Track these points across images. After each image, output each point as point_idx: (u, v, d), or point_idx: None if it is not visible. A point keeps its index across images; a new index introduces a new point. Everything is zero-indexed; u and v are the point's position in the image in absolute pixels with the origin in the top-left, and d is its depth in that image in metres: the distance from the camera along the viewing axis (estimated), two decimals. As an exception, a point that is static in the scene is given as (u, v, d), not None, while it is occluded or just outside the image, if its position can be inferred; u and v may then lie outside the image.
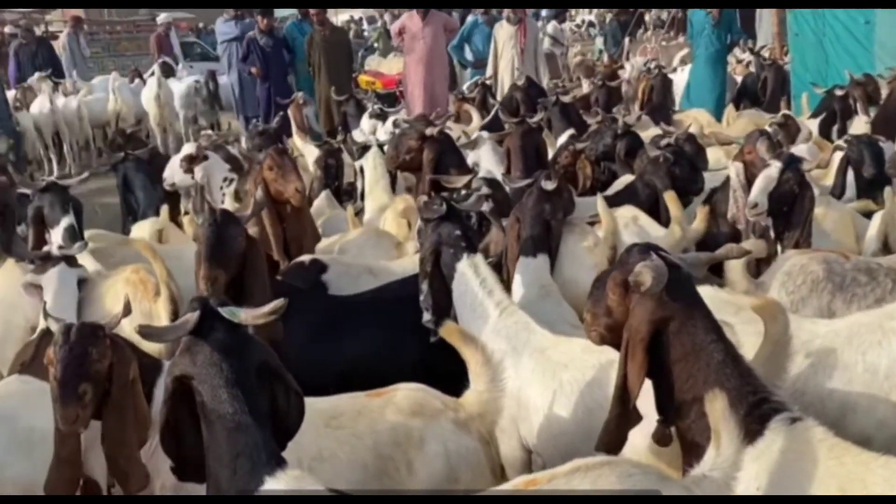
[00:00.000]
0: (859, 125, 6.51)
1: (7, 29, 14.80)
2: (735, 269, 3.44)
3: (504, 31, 9.53)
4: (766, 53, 10.84)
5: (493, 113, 7.54)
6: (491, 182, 4.10)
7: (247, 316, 2.13)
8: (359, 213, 5.26)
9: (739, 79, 10.60)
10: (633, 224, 4.05)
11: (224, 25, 10.75)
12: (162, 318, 3.44)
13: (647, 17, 20.94)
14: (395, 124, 5.93)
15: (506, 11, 9.82)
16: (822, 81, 8.82)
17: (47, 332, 3.19)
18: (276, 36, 9.94)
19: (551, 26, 14.35)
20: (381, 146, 5.50)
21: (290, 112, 8.17)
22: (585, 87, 10.15)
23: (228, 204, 5.24)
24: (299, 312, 3.43)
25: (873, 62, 8.84)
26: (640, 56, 13.87)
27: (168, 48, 14.39)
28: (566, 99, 6.96)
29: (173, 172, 5.43)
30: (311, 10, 9.92)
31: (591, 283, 3.64)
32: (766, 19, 13.12)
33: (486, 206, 3.97)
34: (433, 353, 3.33)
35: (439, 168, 4.67)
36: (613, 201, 4.53)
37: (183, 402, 2.12)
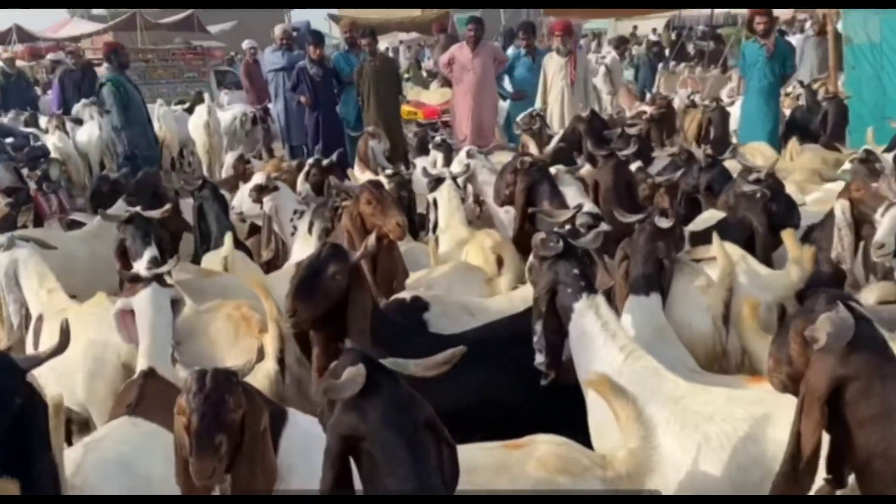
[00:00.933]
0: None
1: (50, 56, 14.88)
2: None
3: (554, 63, 9.51)
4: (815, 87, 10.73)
5: (553, 144, 7.45)
6: (595, 217, 3.96)
7: (417, 368, 2.00)
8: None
9: (787, 112, 10.51)
10: (742, 263, 3.90)
11: (272, 55, 10.74)
12: (268, 359, 3.31)
13: (688, 48, 20.94)
14: (470, 154, 5.81)
15: (554, 43, 9.82)
16: (880, 116, 8.72)
17: (150, 373, 3.09)
18: (325, 66, 9.91)
19: (611, 58, 14.31)
20: (454, 178, 5.39)
21: (359, 144, 8.10)
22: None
23: (301, 238, 5.16)
24: (406, 352, 3.33)
25: (933, 97, 8.73)
26: (680, 88, 13.79)
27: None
28: (633, 131, 6.84)
29: (242, 201, 5.35)
30: (363, 41, 9.89)
31: (703, 326, 3.62)
32: (808, 54, 13.01)
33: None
34: (543, 397, 3.22)
35: (532, 200, 4.56)
36: (703, 237, 4.40)
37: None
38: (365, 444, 1.91)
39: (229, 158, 8.08)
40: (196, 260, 5.27)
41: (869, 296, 3.41)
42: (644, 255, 3.58)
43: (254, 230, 5.92)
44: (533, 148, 7.69)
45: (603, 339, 3.02)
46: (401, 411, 1.93)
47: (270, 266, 5.26)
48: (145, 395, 2.96)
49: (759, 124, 9.55)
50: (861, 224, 4.10)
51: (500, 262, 4.41)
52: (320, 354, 3.34)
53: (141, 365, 3.11)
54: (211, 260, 4.85)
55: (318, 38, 10.05)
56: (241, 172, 7.32)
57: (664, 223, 3.58)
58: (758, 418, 2.56)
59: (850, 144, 8.33)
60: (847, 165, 5.80)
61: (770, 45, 9.52)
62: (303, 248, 5.14)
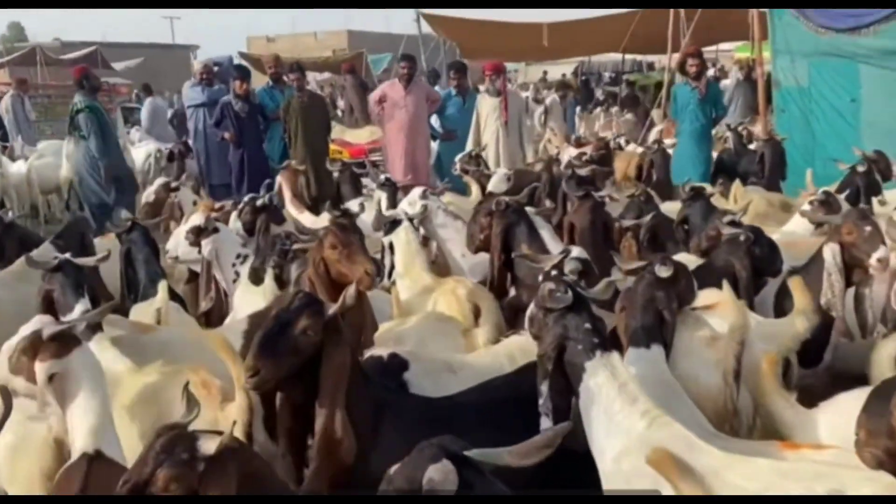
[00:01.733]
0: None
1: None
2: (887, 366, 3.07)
3: (486, 103, 9.34)
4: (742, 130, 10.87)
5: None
6: (585, 263, 3.63)
7: (513, 457, 1.65)
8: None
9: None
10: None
11: (192, 90, 10.23)
12: (235, 432, 2.83)
13: (598, 94, 21.33)
14: (424, 195, 5.46)
15: (485, 84, 9.66)
16: (810, 158, 8.81)
17: (96, 456, 2.58)
18: (251, 101, 9.45)
19: (551, 99, 14.40)
20: (411, 220, 5.02)
21: (281, 179, 7.68)
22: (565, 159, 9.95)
23: (243, 286, 4.69)
24: (397, 419, 2.92)
25: (860, 140, 8.85)
26: (602, 132, 13.85)
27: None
28: (583, 172, 6.64)
29: (178, 244, 4.86)
30: (291, 76, 9.50)
31: (711, 382, 3.32)
32: (739, 99, 13.28)
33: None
34: (549, 465, 2.86)
35: (510, 244, 4.24)
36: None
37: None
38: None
39: (152, 187, 7.52)
40: (123, 312, 4.72)
41: (891, 346, 3.17)
42: (643, 306, 3.28)
43: (192, 276, 5.39)
44: (476, 189, 7.44)
45: (620, 403, 2.68)
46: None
47: (209, 318, 4.76)
48: (91, 486, 2.46)
49: (692, 166, 9.50)
50: (852, 269, 3.94)
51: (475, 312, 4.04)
52: (286, 419, 2.92)
53: (82, 445, 2.57)
54: (141, 311, 4.32)
55: (243, 72, 9.59)
56: (164, 200, 6.77)
57: (664, 272, 3.29)
58: (819, 494, 2.25)
59: (786, 188, 8.36)
60: (806, 207, 5.67)
61: (702, 88, 9.57)
62: (246, 297, 4.68)
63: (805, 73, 9.27)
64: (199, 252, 4.86)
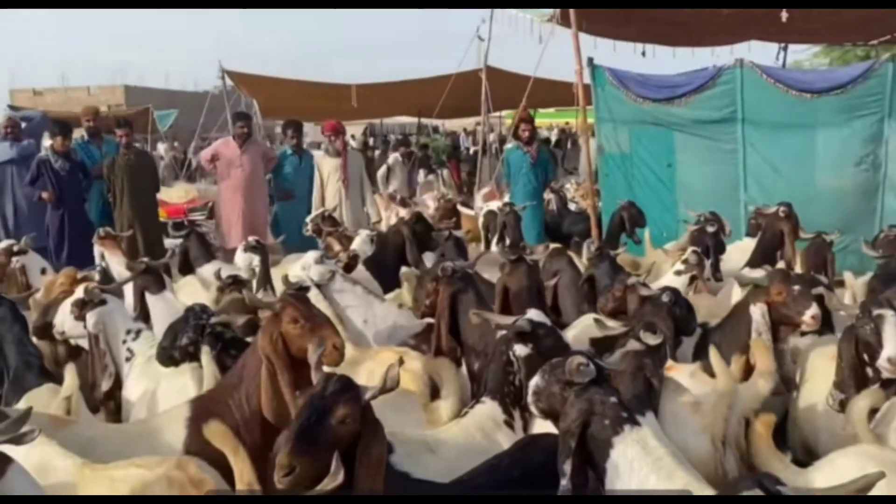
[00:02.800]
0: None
1: None
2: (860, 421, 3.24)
3: (327, 164, 9.21)
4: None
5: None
6: (541, 326, 3.55)
7: None
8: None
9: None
10: (698, 375, 3.72)
11: (-2, 145, 9.19)
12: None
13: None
14: (321, 260, 5.18)
15: (323, 144, 9.55)
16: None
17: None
18: (72, 159, 8.64)
19: (393, 158, 14.38)
20: (318, 286, 4.75)
21: (103, 249, 7.05)
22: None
23: (140, 368, 4.19)
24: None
25: (676, 202, 9.62)
26: (424, 193, 14.02)
27: None
28: (459, 234, 6.65)
29: (64, 319, 4.29)
30: (118, 132, 8.82)
31: (701, 448, 3.34)
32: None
33: (521, 351, 3.49)
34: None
35: (456, 308, 4.09)
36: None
37: None
38: None
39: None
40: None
41: (862, 403, 3.34)
42: (632, 375, 3.25)
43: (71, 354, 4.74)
44: (338, 247, 7.21)
45: (655, 481, 2.61)
46: None
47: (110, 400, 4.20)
48: None
49: (528, 227, 9.86)
50: (778, 327, 4.15)
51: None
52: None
53: None
54: (36, 400, 3.70)
55: (63, 128, 8.76)
56: (5, 266, 5.93)
57: (652, 340, 3.30)
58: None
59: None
60: (679, 266, 5.97)
61: (534, 152, 10.00)
62: (140, 380, 4.18)
63: (626, 140, 9.91)
64: (85, 327, 4.29)
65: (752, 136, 9.31)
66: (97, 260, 7.11)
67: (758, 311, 4.15)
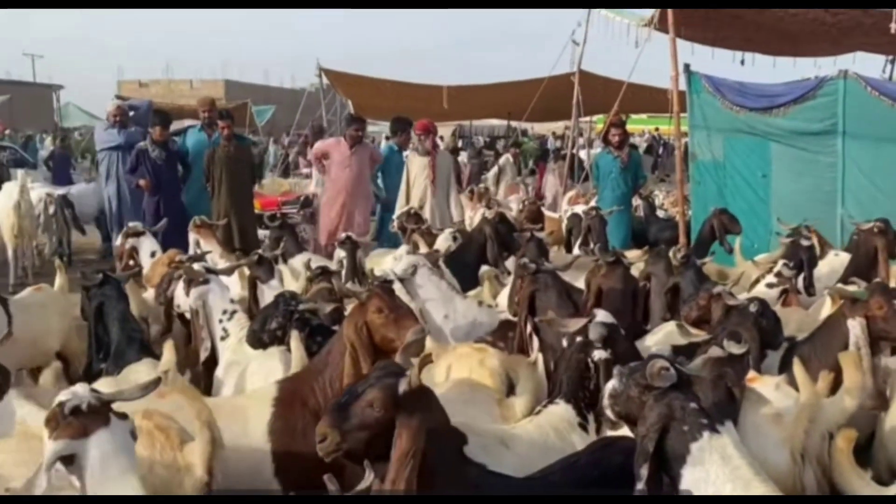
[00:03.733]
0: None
1: None
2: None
3: (416, 163, 9.31)
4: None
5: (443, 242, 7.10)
6: (610, 327, 3.54)
7: None
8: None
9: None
10: (783, 388, 3.65)
11: (105, 133, 9.66)
12: (196, 469, 2.71)
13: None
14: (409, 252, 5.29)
15: (413, 143, 9.62)
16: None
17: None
18: (169, 148, 9.00)
19: (504, 159, 14.63)
20: (401, 280, 4.83)
21: (198, 236, 7.33)
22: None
23: (233, 348, 4.36)
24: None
25: (770, 213, 9.36)
26: (510, 195, 14.04)
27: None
28: (542, 235, 6.66)
29: (180, 296, 4.54)
30: (220, 123, 9.11)
31: (780, 462, 3.28)
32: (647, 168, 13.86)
33: (600, 355, 3.47)
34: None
35: (534, 306, 4.11)
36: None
37: None
38: None
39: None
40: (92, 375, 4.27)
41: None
42: (713, 382, 3.21)
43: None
44: (423, 246, 7.30)
45: (731, 489, 2.58)
46: None
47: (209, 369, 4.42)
48: None
49: (614, 232, 9.78)
50: (877, 343, 4.04)
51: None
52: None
53: None
54: (134, 375, 3.90)
55: (163, 119, 9.14)
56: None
57: (736, 349, 3.26)
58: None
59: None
60: (771, 279, 5.85)
61: (624, 157, 9.90)
62: (231, 360, 4.34)
63: (720, 148, 9.72)
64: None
65: (853, 149, 9.01)
66: (192, 247, 7.37)
67: (857, 326, 4.00)
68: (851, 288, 4.25)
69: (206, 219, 7.81)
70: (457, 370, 4.04)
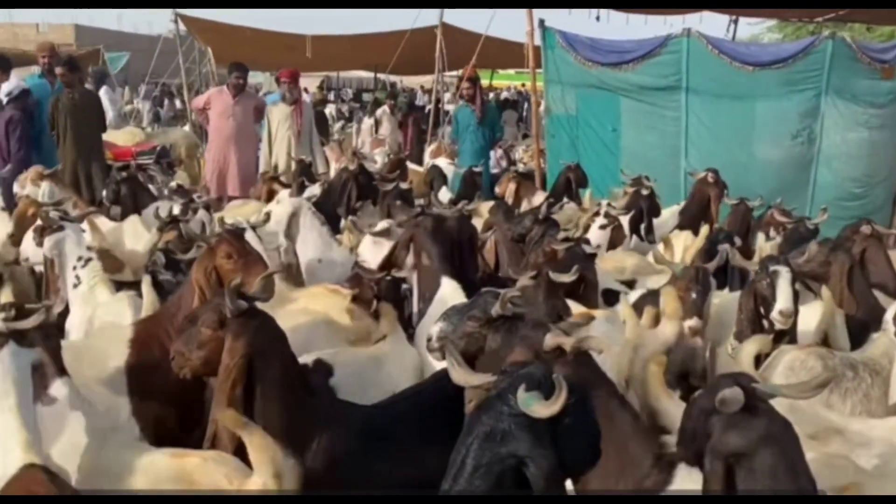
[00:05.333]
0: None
1: None
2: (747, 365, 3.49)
3: (279, 112, 9.17)
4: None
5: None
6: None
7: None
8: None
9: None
10: (613, 320, 3.96)
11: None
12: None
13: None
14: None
15: (279, 91, 9.47)
16: (576, 180, 9.59)
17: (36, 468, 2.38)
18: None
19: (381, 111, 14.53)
20: (254, 228, 4.86)
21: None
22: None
23: (84, 297, 4.30)
24: (340, 430, 2.87)
25: (619, 166, 9.83)
26: (376, 149, 14.09)
27: None
28: (405, 186, 6.81)
29: (27, 247, 4.45)
30: (57, 70, 8.72)
31: None
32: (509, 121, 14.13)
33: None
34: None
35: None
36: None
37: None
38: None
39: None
40: None
41: (749, 348, 3.58)
42: (546, 312, 3.47)
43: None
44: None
45: None
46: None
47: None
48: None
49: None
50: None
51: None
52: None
53: (18, 458, 2.35)
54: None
55: (4, 64, 8.64)
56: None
57: (564, 278, 3.52)
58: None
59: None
60: (603, 220, 6.18)
61: (478, 110, 10.11)
62: (82, 307, 4.29)
63: (573, 102, 10.11)
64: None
65: (695, 104, 9.58)
66: (45, 195, 7.10)
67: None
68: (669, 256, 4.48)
69: (44, 168, 7.49)
70: (310, 310, 4.14)
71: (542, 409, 1.96)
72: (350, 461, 2.76)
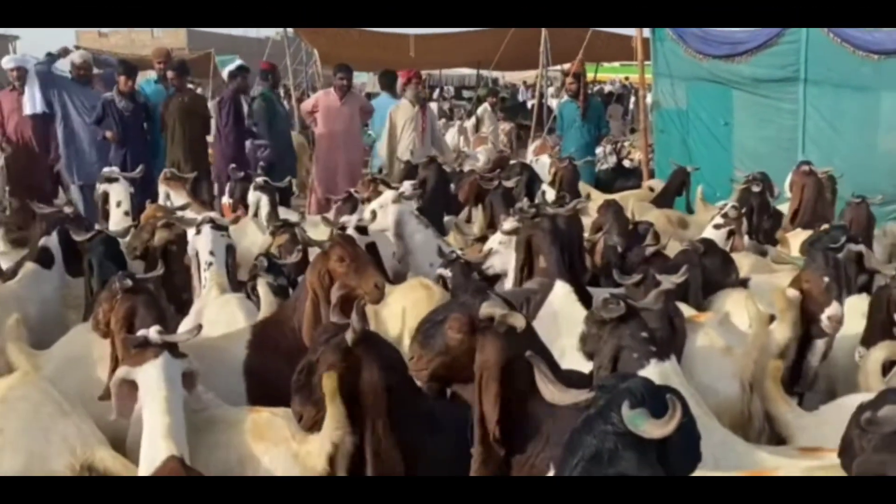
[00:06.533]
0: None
1: None
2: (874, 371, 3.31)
3: (403, 112, 9.23)
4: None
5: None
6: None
7: None
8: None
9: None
10: (727, 323, 3.81)
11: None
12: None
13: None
14: (398, 199, 5.42)
15: (408, 91, 9.49)
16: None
17: (181, 461, 2.66)
18: (136, 100, 8.90)
19: (482, 109, 14.63)
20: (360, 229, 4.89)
21: (168, 188, 7.42)
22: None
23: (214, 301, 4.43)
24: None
25: (731, 161, 9.50)
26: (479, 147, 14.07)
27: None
28: (509, 184, 6.76)
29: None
30: (170, 75, 9.05)
31: (731, 392, 3.44)
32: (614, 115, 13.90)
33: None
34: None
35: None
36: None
37: None
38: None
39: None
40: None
41: (877, 354, 3.39)
42: (658, 316, 3.36)
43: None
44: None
45: None
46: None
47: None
48: None
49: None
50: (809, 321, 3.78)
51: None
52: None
53: (166, 449, 2.65)
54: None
55: (129, 69, 9.01)
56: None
57: (675, 278, 3.41)
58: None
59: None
60: (719, 220, 5.96)
61: (582, 106, 9.95)
62: (200, 305, 4.41)
63: (684, 96, 9.84)
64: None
65: (814, 96, 9.13)
66: (161, 199, 7.39)
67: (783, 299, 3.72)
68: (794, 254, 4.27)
69: (175, 171, 7.82)
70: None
71: (654, 429, 1.85)
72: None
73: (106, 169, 7.07)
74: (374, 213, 5.21)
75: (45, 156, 9.22)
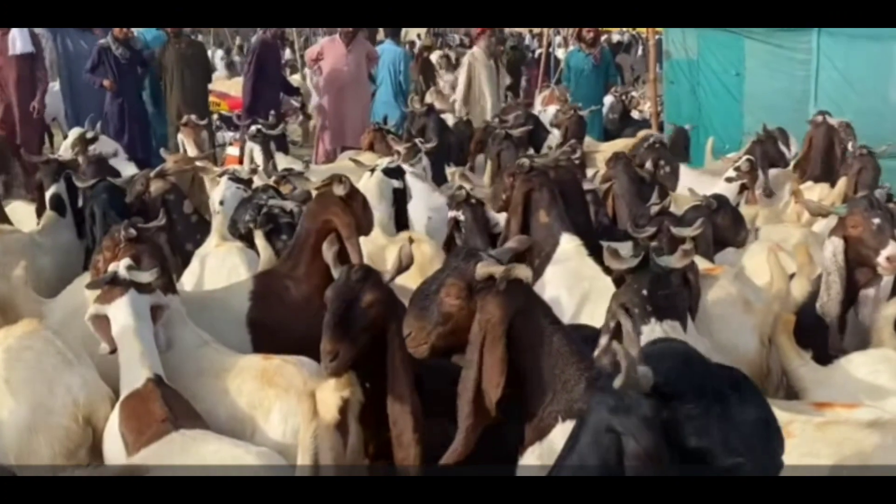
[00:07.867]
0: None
1: None
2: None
3: (484, 67, 9.72)
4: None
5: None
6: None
7: None
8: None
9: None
10: (742, 277, 3.74)
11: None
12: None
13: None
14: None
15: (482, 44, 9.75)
16: (695, 130, 9.16)
17: (159, 380, 2.82)
18: (132, 47, 8.69)
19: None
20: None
21: (184, 136, 7.35)
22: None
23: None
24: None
25: (742, 112, 9.34)
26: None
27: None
28: (517, 133, 6.63)
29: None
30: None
31: (750, 347, 3.37)
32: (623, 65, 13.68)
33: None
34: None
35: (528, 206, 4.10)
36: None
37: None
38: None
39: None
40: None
41: (890, 311, 3.31)
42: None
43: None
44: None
45: None
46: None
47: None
48: (172, 405, 2.71)
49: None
50: (856, 268, 3.57)
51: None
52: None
53: (143, 374, 2.84)
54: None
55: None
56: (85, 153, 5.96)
57: (688, 231, 3.33)
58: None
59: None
60: (731, 173, 5.82)
61: (597, 55, 9.77)
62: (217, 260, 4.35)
63: (694, 45, 9.62)
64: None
65: (828, 46, 8.92)
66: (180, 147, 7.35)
67: (829, 248, 3.54)
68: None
69: (193, 118, 7.68)
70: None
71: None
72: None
73: (108, 149, 6.82)
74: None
75: (29, 99, 8.54)
